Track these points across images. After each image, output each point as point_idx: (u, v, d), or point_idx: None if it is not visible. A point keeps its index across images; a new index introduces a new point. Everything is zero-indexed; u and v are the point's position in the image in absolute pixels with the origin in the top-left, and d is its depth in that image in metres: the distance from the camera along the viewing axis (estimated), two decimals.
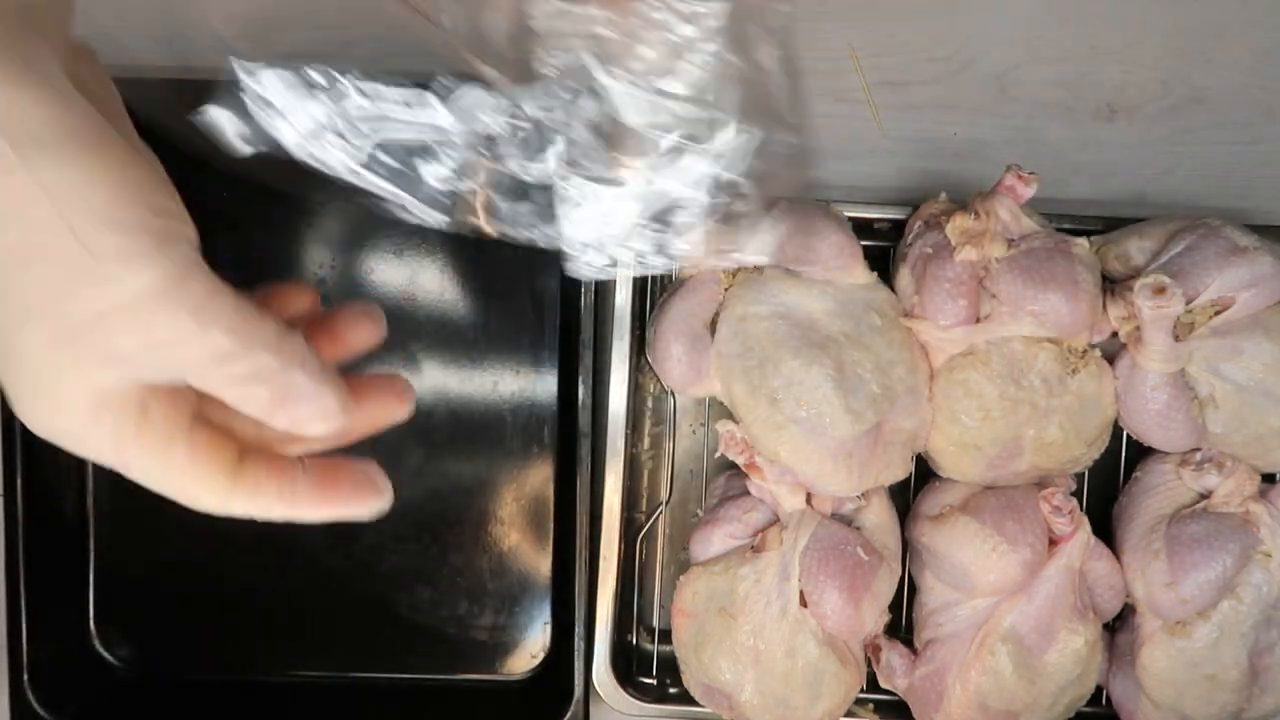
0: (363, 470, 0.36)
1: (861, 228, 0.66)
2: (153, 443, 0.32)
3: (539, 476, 0.73)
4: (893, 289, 0.64)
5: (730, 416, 0.64)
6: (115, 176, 0.29)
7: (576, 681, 0.67)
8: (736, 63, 0.40)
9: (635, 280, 0.67)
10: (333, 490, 0.36)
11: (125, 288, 0.29)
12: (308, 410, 0.33)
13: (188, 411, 0.33)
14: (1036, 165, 0.63)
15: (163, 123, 0.42)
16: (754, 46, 0.41)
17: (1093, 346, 0.63)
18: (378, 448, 0.78)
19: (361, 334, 0.38)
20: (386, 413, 0.38)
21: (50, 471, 0.71)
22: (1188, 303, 0.60)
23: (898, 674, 0.65)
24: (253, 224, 0.73)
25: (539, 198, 0.38)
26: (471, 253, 0.72)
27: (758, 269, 0.64)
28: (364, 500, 0.36)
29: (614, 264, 0.40)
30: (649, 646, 0.72)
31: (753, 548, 0.63)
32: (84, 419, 0.31)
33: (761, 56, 0.41)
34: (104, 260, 0.29)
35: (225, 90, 0.36)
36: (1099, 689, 0.66)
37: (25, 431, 0.68)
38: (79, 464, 0.73)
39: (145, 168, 0.30)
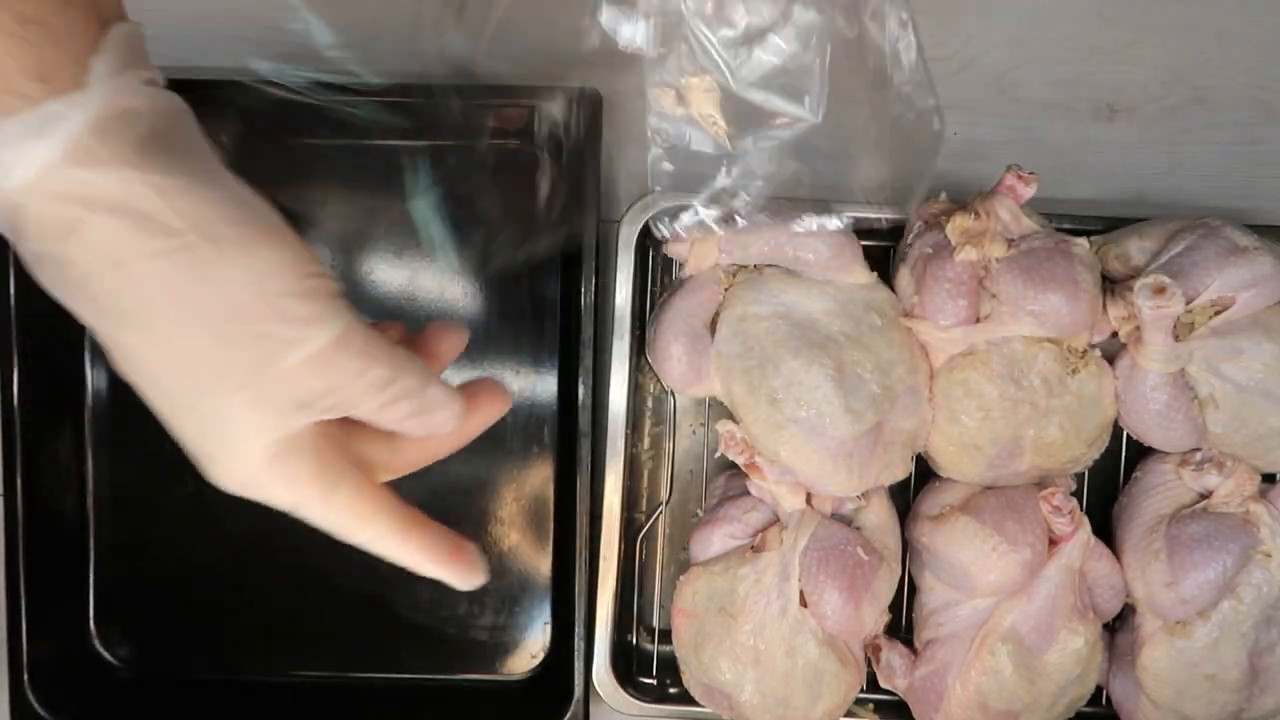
0: (477, 551, 0.43)
1: (861, 228, 0.66)
2: (322, 482, 0.38)
3: (539, 476, 0.73)
4: (893, 289, 0.64)
5: (730, 416, 0.64)
6: (287, 254, 0.36)
7: (576, 681, 0.67)
8: (844, 31, 0.41)
9: (635, 280, 0.67)
10: (456, 558, 0.42)
11: (315, 344, 0.36)
12: (443, 416, 0.40)
13: (347, 457, 0.40)
14: (1036, 165, 0.63)
15: None
16: (868, 17, 0.42)
17: (1093, 346, 0.63)
18: None
19: (451, 346, 0.44)
20: (493, 409, 0.44)
21: (50, 471, 0.71)
22: (1188, 303, 0.60)
23: (898, 674, 0.65)
24: None
25: None
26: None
27: (758, 269, 0.64)
28: (472, 574, 0.43)
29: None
30: (649, 646, 0.72)
31: (753, 548, 0.63)
32: (269, 467, 0.37)
33: (871, 26, 0.42)
34: (297, 325, 0.35)
35: None
36: (1099, 689, 0.66)
37: (25, 431, 0.68)
38: (79, 464, 0.73)
39: (297, 240, 0.37)
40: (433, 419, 0.40)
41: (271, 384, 0.36)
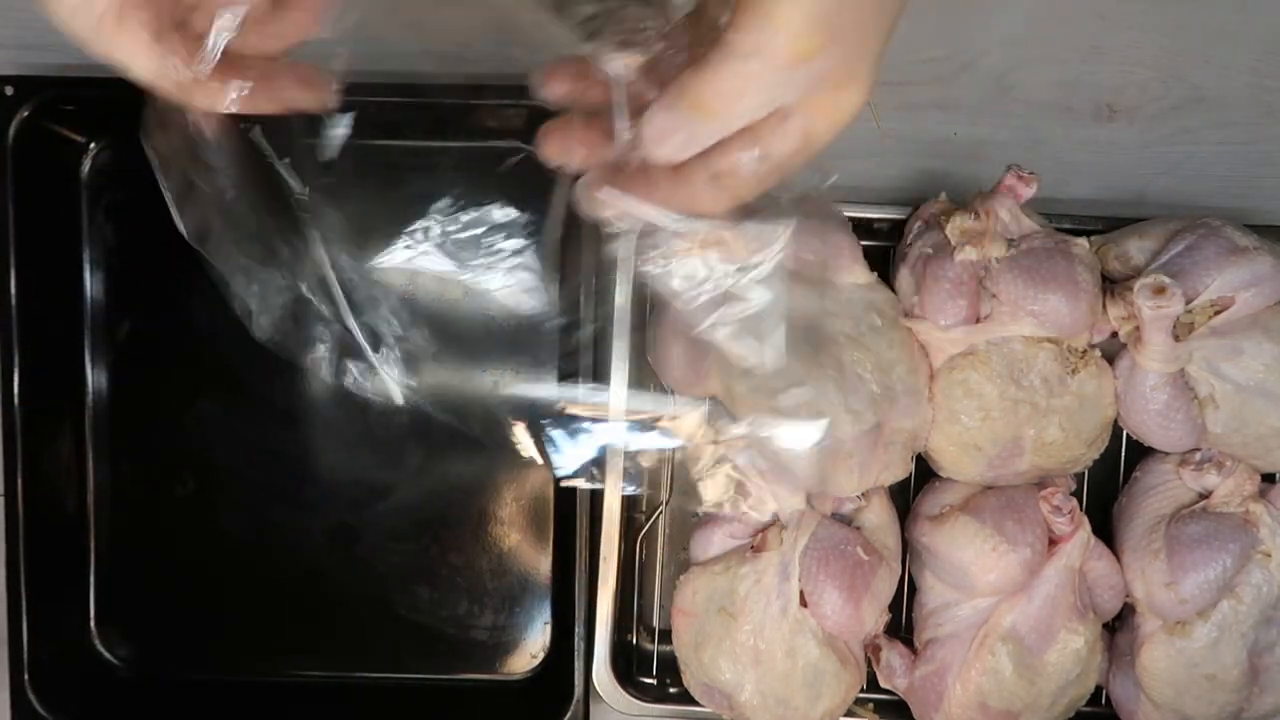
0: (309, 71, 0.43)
1: (861, 228, 0.66)
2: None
3: (539, 476, 0.73)
4: (893, 289, 0.64)
5: (730, 416, 0.64)
6: None
7: (576, 681, 0.67)
8: None
9: (635, 280, 0.67)
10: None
11: None
12: None
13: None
14: (1036, 165, 0.63)
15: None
16: None
17: (1093, 346, 0.63)
18: (378, 449, 0.78)
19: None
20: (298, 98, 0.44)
21: (50, 471, 0.71)
22: (1188, 303, 0.60)
23: (898, 674, 0.65)
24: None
25: None
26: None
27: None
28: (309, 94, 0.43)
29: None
30: (649, 646, 0.72)
31: (753, 548, 0.63)
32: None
33: None
34: None
35: None
36: (1099, 689, 0.66)
37: (25, 431, 0.68)
38: (79, 464, 0.73)
39: None
40: None
41: None
